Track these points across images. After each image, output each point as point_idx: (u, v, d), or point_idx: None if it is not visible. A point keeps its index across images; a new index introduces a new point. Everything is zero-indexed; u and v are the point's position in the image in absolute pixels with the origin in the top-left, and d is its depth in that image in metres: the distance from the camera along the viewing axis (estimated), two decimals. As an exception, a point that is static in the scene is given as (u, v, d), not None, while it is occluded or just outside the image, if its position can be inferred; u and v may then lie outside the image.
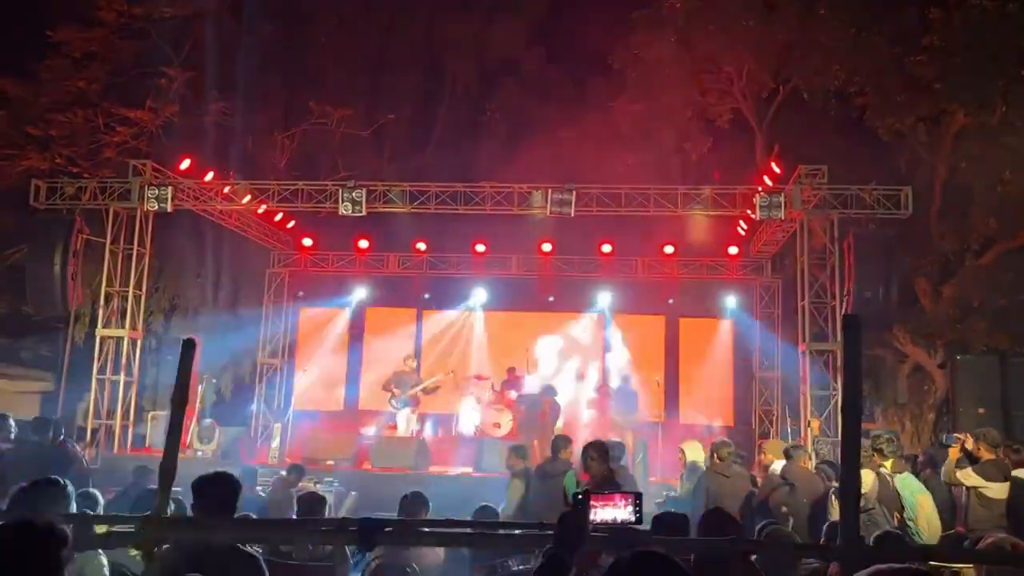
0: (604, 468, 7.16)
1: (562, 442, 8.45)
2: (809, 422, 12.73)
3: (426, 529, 3.91)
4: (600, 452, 7.20)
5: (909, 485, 8.02)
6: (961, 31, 14.82)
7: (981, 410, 13.13)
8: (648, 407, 15.73)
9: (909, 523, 7.85)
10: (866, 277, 12.56)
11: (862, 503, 7.24)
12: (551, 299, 17.60)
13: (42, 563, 2.53)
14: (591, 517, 2.78)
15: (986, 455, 8.25)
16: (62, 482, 4.28)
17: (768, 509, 8.09)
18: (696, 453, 9.99)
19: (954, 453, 8.45)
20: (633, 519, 2.83)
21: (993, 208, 15.63)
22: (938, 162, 16.58)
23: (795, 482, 8.10)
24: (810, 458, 10.14)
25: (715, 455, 8.64)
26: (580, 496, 2.81)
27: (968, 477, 8.11)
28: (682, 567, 2.40)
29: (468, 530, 3.54)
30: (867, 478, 7.60)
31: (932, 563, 5.07)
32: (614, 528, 2.80)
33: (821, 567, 4.81)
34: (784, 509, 7.93)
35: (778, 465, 8.88)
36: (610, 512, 2.82)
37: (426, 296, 18.24)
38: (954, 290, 16.21)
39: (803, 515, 7.89)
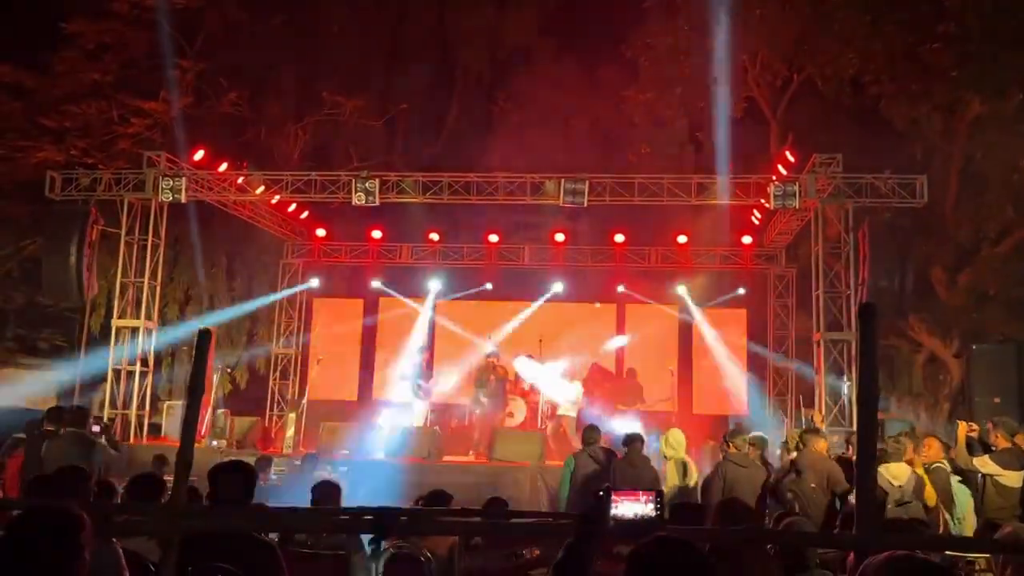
0: None
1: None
2: (811, 415, 12.71)
3: (441, 518, 3.92)
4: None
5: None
6: (976, 18, 14.69)
7: (997, 399, 13.07)
8: (660, 397, 15.75)
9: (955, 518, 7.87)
10: (881, 266, 12.51)
11: (899, 496, 7.26)
12: (561, 289, 17.55)
13: (62, 549, 2.55)
14: (612, 511, 2.79)
15: (1002, 443, 8.22)
16: (87, 470, 4.32)
17: (777, 496, 8.08)
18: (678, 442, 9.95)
19: (962, 432, 8.42)
20: (654, 515, 2.84)
21: (1009, 196, 15.53)
22: (954, 150, 16.45)
23: (803, 469, 8.06)
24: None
25: (729, 444, 8.60)
26: (602, 492, 2.82)
27: (985, 464, 8.07)
28: (701, 552, 2.41)
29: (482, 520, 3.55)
30: (901, 471, 7.59)
31: (948, 552, 5.08)
32: (631, 520, 2.81)
33: (834, 555, 4.80)
34: (789, 495, 7.90)
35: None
36: (631, 507, 2.83)
37: (439, 286, 18.24)
38: (970, 279, 16.12)
39: (809, 500, 7.81)
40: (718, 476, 8.38)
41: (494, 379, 14.72)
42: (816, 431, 9.07)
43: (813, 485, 7.86)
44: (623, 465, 8.67)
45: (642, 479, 8.33)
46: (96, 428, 9.51)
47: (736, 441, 8.56)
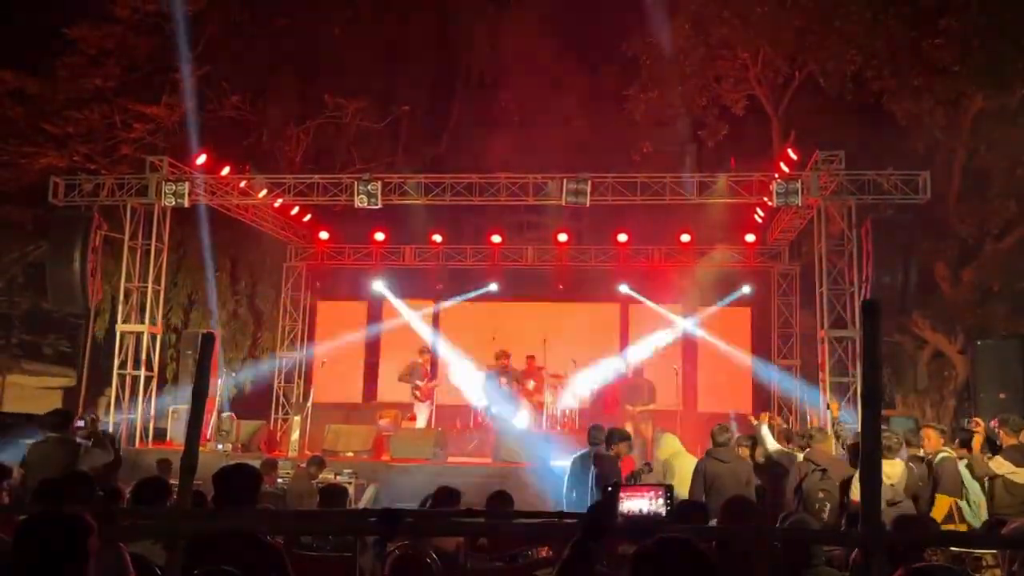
0: None
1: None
2: (828, 404, 12.64)
3: (446, 519, 3.92)
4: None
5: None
6: (979, 13, 14.65)
7: (1002, 395, 13.04)
8: (666, 396, 15.73)
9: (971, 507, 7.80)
10: (884, 263, 12.49)
11: (891, 495, 7.21)
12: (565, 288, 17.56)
13: (70, 553, 2.56)
14: (620, 508, 2.80)
15: (1009, 440, 8.18)
16: (90, 476, 4.32)
17: (801, 494, 7.91)
18: (671, 445, 9.95)
19: (978, 442, 8.35)
20: (663, 511, 2.85)
21: (1013, 191, 15.49)
22: (957, 146, 16.42)
23: (828, 467, 7.89)
24: (837, 440, 10.00)
25: (713, 440, 8.58)
26: (610, 488, 2.83)
27: (1000, 465, 8.02)
28: (703, 552, 2.41)
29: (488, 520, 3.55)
30: (895, 469, 7.52)
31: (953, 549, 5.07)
32: (637, 517, 2.81)
33: (840, 553, 4.79)
34: (821, 495, 7.72)
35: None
36: (637, 503, 2.84)
37: (442, 287, 18.25)
38: (974, 274, 16.09)
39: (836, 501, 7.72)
40: (699, 473, 8.38)
41: (507, 380, 14.66)
42: (823, 431, 9.00)
43: (838, 485, 7.75)
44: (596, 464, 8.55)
45: (607, 477, 8.05)
46: (80, 423, 9.51)
47: (719, 438, 8.53)
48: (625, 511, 2.85)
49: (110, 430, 13.66)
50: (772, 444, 9.03)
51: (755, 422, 9.75)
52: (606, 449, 8.61)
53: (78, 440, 8.57)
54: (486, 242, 17.53)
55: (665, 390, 15.60)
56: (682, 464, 9.35)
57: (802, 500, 7.91)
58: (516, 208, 16.01)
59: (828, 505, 7.63)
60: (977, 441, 8.35)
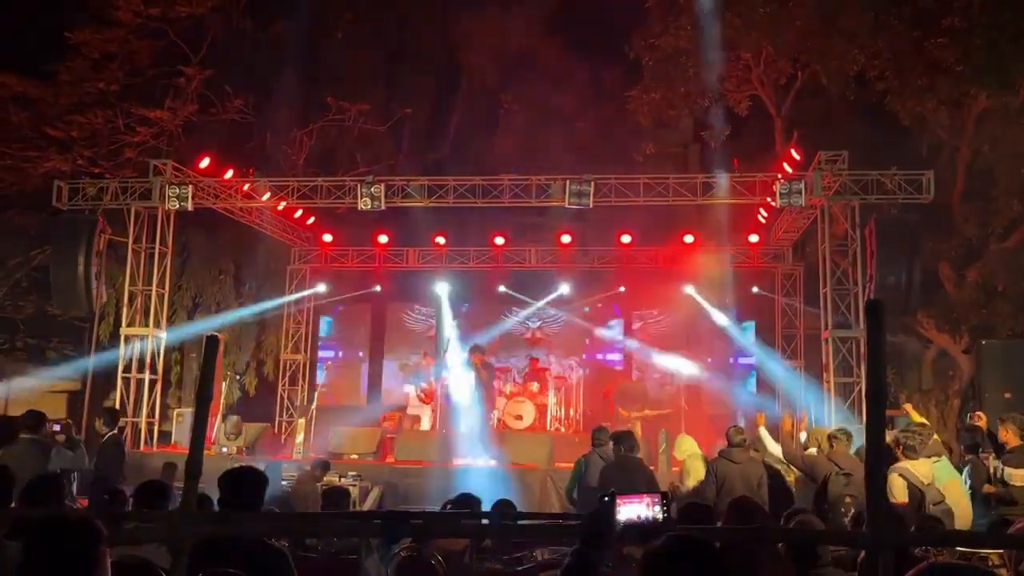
0: None
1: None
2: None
3: (449, 521, 3.92)
4: None
5: (939, 471, 7.91)
6: (982, 12, 14.62)
7: (1007, 395, 13.00)
8: (668, 397, 15.73)
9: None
10: (888, 263, 12.46)
11: (933, 495, 7.19)
12: (569, 290, 17.55)
13: (79, 558, 2.55)
14: (617, 515, 2.79)
15: (1013, 441, 8.14)
16: (59, 479, 4.34)
17: (827, 499, 7.83)
18: (689, 447, 9.95)
19: (988, 489, 8.28)
20: (661, 518, 2.84)
21: (1017, 190, 15.45)
22: (960, 145, 16.39)
23: (852, 471, 7.78)
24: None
25: (728, 441, 8.59)
26: (607, 496, 2.82)
27: (1014, 475, 7.97)
28: (715, 549, 2.42)
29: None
30: (928, 469, 7.47)
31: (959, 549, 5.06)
32: (639, 523, 2.81)
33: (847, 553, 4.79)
34: (848, 500, 7.60)
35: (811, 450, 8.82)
36: (635, 510, 2.83)
37: (444, 289, 18.23)
38: (978, 274, 16.05)
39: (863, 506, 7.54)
40: (710, 474, 8.40)
41: (482, 376, 14.64)
42: (845, 431, 8.86)
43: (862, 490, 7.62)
44: (611, 469, 8.38)
45: (634, 482, 7.81)
46: (56, 427, 9.53)
47: (734, 439, 8.53)
48: (622, 519, 2.83)
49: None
50: (774, 448, 9.03)
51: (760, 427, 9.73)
52: (621, 451, 8.59)
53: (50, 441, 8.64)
54: (489, 244, 17.53)
55: (668, 392, 15.61)
56: (698, 466, 9.36)
57: (828, 503, 7.80)
58: (519, 210, 15.97)
59: (852, 511, 7.42)
60: (988, 488, 8.26)
